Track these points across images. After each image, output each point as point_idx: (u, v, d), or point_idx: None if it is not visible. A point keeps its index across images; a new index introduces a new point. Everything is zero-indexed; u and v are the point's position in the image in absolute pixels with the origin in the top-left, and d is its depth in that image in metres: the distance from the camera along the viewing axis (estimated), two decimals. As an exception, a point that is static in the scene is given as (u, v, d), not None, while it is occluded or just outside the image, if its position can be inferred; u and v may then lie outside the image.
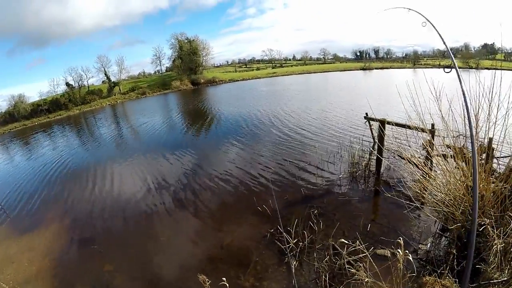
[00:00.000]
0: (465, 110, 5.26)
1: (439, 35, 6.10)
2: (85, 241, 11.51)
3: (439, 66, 72.57)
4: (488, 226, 5.88)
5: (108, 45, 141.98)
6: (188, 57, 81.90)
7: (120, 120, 45.61)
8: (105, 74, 78.95)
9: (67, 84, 71.58)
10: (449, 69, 4.62)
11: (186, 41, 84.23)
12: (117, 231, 12.00)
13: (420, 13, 6.03)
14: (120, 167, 19.89)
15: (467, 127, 6.56)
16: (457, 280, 5.62)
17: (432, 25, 5.80)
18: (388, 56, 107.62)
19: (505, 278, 5.45)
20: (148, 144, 25.85)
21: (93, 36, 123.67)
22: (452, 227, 6.69)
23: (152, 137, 28.39)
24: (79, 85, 73.29)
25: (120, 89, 76.16)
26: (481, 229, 6.03)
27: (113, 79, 78.89)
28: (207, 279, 4.74)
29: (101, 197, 15.44)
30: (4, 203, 16.41)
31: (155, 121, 36.41)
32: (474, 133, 6.51)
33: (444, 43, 5.35)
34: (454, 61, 4.26)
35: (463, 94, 3.31)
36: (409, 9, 6.57)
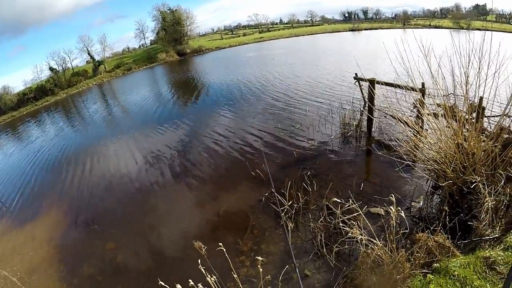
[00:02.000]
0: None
1: None
2: (85, 222, 11.60)
3: (429, 26, 72.05)
4: (480, 184, 6.00)
5: (88, 24, 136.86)
6: (172, 28, 79.41)
7: (109, 98, 44.72)
8: (89, 53, 76.20)
9: (51, 69, 69.08)
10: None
11: (169, 11, 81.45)
12: (115, 209, 12.10)
13: None
14: (113, 146, 19.77)
15: (457, 85, 6.62)
16: (449, 236, 5.77)
17: None
18: (377, 17, 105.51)
19: (497, 235, 5.60)
20: (138, 119, 25.56)
21: (72, 17, 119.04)
22: (443, 185, 6.83)
23: (142, 112, 28.08)
24: (63, 69, 70.65)
25: (105, 67, 73.90)
26: (472, 187, 6.16)
27: (97, 58, 76.10)
28: (202, 245, 4.82)
29: (96, 177, 15.43)
30: (4, 197, 16.20)
31: (144, 95, 35.84)
32: (463, 90, 6.56)
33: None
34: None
35: None
36: None
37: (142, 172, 14.57)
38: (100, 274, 8.79)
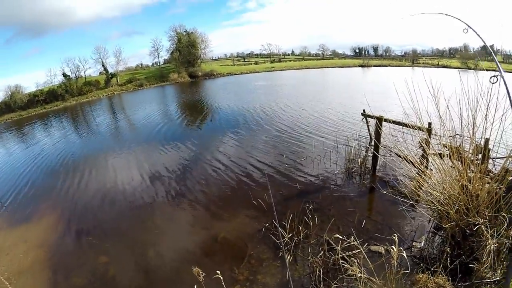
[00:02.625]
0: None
1: (483, 42, 6.05)
2: (80, 232, 11.52)
3: (437, 66, 72.72)
4: (482, 226, 5.93)
5: (106, 36, 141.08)
6: (186, 50, 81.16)
7: (117, 111, 45.30)
8: (103, 65, 77.97)
9: (64, 75, 70.59)
10: (496, 79, 4.38)
11: (184, 33, 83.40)
12: (112, 222, 12.02)
13: (461, 20, 5.92)
14: (116, 158, 19.88)
15: (464, 127, 6.64)
16: (450, 278, 5.66)
17: (476, 32, 5.68)
18: (387, 54, 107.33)
19: (498, 278, 5.51)
20: (144, 135, 25.79)
21: (91, 27, 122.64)
22: (446, 226, 6.74)
23: (149, 128, 28.25)
24: (76, 76, 72.28)
25: (117, 81, 75.33)
26: (475, 229, 6.08)
27: (110, 70, 77.86)
28: (201, 272, 4.76)
29: (95, 188, 15.42)
30: (1, 195, 16.25)
31: (151, 113, 36.24)
32: (470, 132, 6.56)
33: (491, 49, 5.24)
34: (501, 68, 4.05)
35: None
36: (447, 14, 6.43)
37: (142, 188, 14.54)
38: (90, 286, 8.65)
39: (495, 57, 5.36)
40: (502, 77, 4.38)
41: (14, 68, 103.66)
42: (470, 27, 5.54)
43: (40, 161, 22.03)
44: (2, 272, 9.34)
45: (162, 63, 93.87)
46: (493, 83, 4.52)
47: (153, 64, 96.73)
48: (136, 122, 32.62)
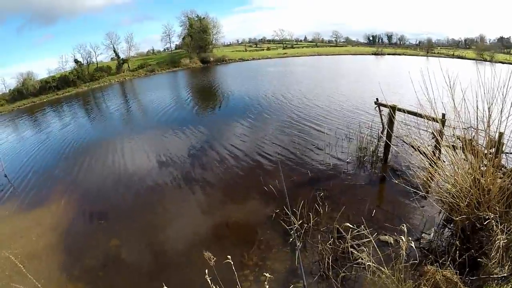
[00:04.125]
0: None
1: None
2: (93, 215, 11.76)
3: (452, 56, 71.41)
4: (493, 221, 5.93)
5: (117, 22, 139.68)
6: (198, 35, 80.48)
7: (129, 97, 45.55)
8: (114, 51, 77.36)
9: (76, 61, 70.31)
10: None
11: (196, 19, 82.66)
12: (124, 206, 12.24)
13: None
14: (129, 143, 20.09)
15: (478, 120, 6.59)
16: (457, 271, 5.69)
17: None
18: (401, 42, 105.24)
19: (505, 274, 5.51)
20: (156, 120, 25.94)
21: (102, 13, 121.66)
22: (456, 219, 6.74)
23: (161, 113, 28.32)
24: (87, 62, 71.88)
25: (129, 66, 75.02)
26: (485, 223, 6.08)
27: (122, 56, 77.22)
28: (212, 256, 4.84)
29: (109, 172, 15.67)
30: (14, 178, 16.60)
31: (164, 98, 36.29)
32: (484, 125, 6.52)
33: None
34: None
35: None
36: None
37: (154, 172, 14.74)
38: (102, 269, 8.86)
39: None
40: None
41: (26, 55, 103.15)
42: None
43: (53, 146, 22.37)
44: (15, 255, 9.54)
45: (174, 49, 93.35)
46: None
47: (164, 49, 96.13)
48: (148, 107, 32.75)
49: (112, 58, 79.75)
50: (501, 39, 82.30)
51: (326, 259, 7.44)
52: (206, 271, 4.67)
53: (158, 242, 9.65)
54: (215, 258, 4.85)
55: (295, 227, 8.69)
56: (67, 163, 17.93)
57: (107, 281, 8.38)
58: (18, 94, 59.77)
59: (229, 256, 4.87)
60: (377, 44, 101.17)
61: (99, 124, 28.15)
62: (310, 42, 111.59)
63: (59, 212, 12.27)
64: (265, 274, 4.74)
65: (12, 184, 15.77)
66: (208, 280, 4.61)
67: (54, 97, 58.62)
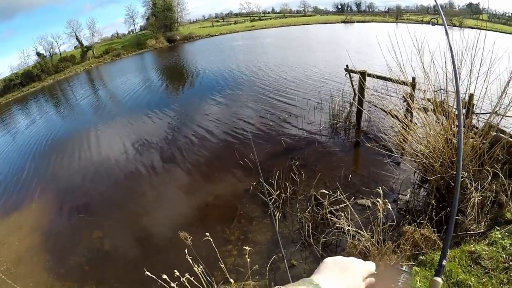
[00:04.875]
0: (451, 64, 5.20)
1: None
2: (72, 210, 11.46)
3: (422, 22, 71.96)
4: (467, 179, 6.08)
5: (79, 9, 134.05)
6: (162, 14, 77.88)
7: (96, 84, 43.92)
8: (77, 39, 73.80)
9: (38, 54, 66.97)
10: (435, 21, 4.44)
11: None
12: (103, 196, 12.01)
13: None
14: (101, 132, 19.51)
15: (449, 81, 6.65)
16: (435, 229, 5.84)
17: None
18: (370, 10, 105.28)
19: (482, 230, 5.70)
20: (127, 105, 25.27)
21: (62, 1, 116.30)
22: (431, 179, 6.89)
23: (132, 98, 27.50)
24: (50, 54, 68.46)
25: (93, 53, 72.11)
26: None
27: (85, 43, 73.86)
28: (188, 235, 4.82)
29: (84, 164, 15.21)
30: None
31: (133, 82, 35.02)
32: (459, 86, 6.58)
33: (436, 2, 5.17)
34: (442, 13, 4.10)
35: (450, 49, 3.26)
36: None
37: (129, 159, 14.45)
38: (87, 263, 8.71)
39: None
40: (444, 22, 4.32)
41: None
42: None
43: (23, 146, 21.23)
44: (1, 263, 9.33)
45: (139, 31, 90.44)
46: (432, 24, 4.49)
47: (129, 32, 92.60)
48: (117, 93, 31.67)
49: (75, 47, 76.53)
50: (470, 5, 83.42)
51: (306, 226, 7.52)
52: (186, 250, 4.63)
53: (140, 229, 9.56)
54: (191, 237, 4.83)
55: (272, 198, 8.71)
56: (39, 162, 17.24)
57: (94, 274, 8.27)
58: None
59: (207, 233, 4.83)
60: (346, 12, 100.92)
61: (68, 117, 27.08)
62: (278, 13, 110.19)
63: (37, 212, 11.92)
64: (245, 247, 4.73)
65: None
66: (189, 259, 4.57)
67: (20, 94, 56.04)
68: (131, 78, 37.86)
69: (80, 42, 74.55)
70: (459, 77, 6.34)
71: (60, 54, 71.26)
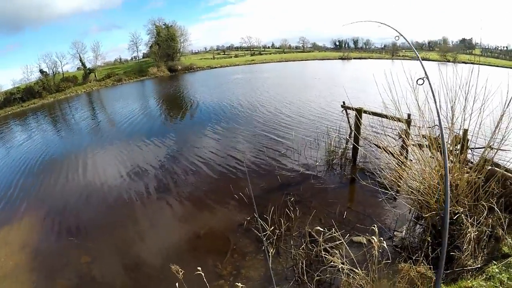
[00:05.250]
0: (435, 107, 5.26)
1: (412, 46, 6.22)
2: (63, 232, 11.28)
3: (417, 58, 73.46)
4: (462, 215, 6.03)
5: (84, 30, 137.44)
6: (165, 43, 79.85)
7: (96, 107, 44.38)
8: (80, 60, 75.52)
9: (41, 71, 68.07)
10: (422, 81, 4.57)
11: (164, 26, 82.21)
12: (94, 221, 11.78)
13: (393, 28, 5.96)
14: (97, 155, 19.51)
15: (443, 118, 6.71)
16: (431, 266, 5.74)
17: (405, 38, 5.76)
18: (367, 47, 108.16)
19: (479, 265, 5.61)
20: (125, 131, 25.36)
21: (69, 20, 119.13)
22: (426, 215, 6.83)
23: (130, 124, 27.74)
24: (53, 72, 69.59)
25: (95, 76, 73.45)
26: (455, 217, 6.17)
27: (88, 65, 75.37)
28: (179, 269, 4.71)
29: (78, 186, 15.08)
30: None
31: (132, 108, 35.62)
32: (449, 123, 6.64)
33: (417, 55, 5.34)
34: (426, 71, 4.24)
35: (434, 101, 3.36)
36: (381, 23, 6.45)
37: (123, 185, 14.32)
38: (74, 287, 8.51)
39: (416, 53, 5.47)
40: (428, 81, 4.48)
41: None
42: (401, 35, 5.62)
43: (16, 161, 21.35)
44: None
45: (141, 57, 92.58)
46: (420, 84, 4.66)
47: (132, 58, 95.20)
48: (116, 118, 31.92)
49: (78, 68, 78.12)
50: (463, 40, 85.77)
51: (300, 263, 7.37)
52: (177, 284, 4.52)
53: (130, 257, 9.33)
54: (183, 271, 4.72)
55: (266, 234, 8.58)
56: (32, 179, 17.15)
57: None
58: None
59: (199, 268, 4.73)
60: (344, 49, 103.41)
61: (65, 137, 27.25)
62: (278, 48, 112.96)
63: (27, 230, 11.72)
64: (237, 284, 4.61)
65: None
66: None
67: (19, 109, 56.72)
68: (131, 104, 38.42)
69: (83, 64, 76.11)
70: (453, 114, 6.42)
71: (63, 73, 72.53)
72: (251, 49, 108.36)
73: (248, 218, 9.94)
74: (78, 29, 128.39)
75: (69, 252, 10.05)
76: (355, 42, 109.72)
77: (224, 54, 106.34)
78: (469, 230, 5.76)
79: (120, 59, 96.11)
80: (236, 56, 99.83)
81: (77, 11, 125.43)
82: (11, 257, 10.15)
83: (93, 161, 18.50)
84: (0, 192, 15.74)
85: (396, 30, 5.68)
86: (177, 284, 4.54)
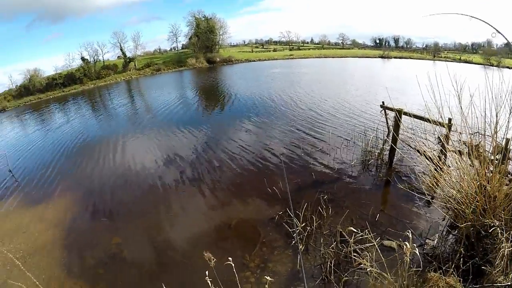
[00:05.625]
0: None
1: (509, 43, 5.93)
2: (96, 213, 11.81)
3: (459, 60, 70.92)
4: (498, 228, 5.84)
5: (125, 22, 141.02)
6: (204, 35, 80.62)
7: (134, 95, 45.68)
8: (121, 49, 77.91)
9: (83, 59, 70.58)
10: (494, 35, 4.31)
11: (203, 19, 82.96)
12: (127, 204, 12.24)
13: (488, 23, 5.73)
14: (133, 141, 20.19)
15: (486, 125, 6.49)
16: (461, 279, 5.62)
17: (504, 36, 5.45)
18: (408, 46, 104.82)
19: (509, 283, 5.43)
20: (161, 119, 26.00)
21: (110, 12, 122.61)
22: (461, 225, 6.65)
23: (166, 112, 28.44)
24: (94, 60, 72.16)
25: (135, 65, 75.36)
26: (490, 231, 6.00)
27: (128, 54, 77.72)
28: (212, 257, 4.81)
29: (113, 170, 15.73)
30: (18, 174, 16.80)
31: (169, 97, 36.39)
32: (491, 131, 6.43)
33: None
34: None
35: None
36: (473, 17, 6.22)
37: (157, 171, 14.76)
38: (102, 266, 8.87)
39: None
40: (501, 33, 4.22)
41: (34, 53, 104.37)
42: (499, 32, 5.27)
43: (58, 142, 22.56)
44: (18, 250, 9.63)
45: (180, 49, 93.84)
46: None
47: (171, 49, 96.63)
48: (153, 106, 32.72)
49: (118, 57, 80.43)
50: (508, 44, 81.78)
51: (329, 263, 7.37)
52: (207, 272, 4.63)
53: (160, 241, 9.63)
54: (215, 259, 4.82)
55: (297, 229, 8.61)
56: (72, 160, 18.04)
57: (107, 279, 8.37)
58: (24, 90, 60.37)
59: (230, 258, 4.83)
60: (384, 47, 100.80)
61: (104, 121, 28.30)
62: (317, 44, 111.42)
63: (62, 209, 12.32)
64: (265, 277, 4.69)
65: (16, 179, 15.90)
66: (209, 281, 4.56)
67: (60, 94, 59.21)
68: (169, 94, 39.21)
69: (123, 53, 78.32)
70: (497, 122, 6.19)
71: (103, 61, 75.01)
72: (290, 44, 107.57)
73: (280, 213, 10.03)
74: (118, 20, 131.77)
75: (101, 232, 10.51)
76: (396, 40, 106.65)
77: (262, 48, 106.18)
78: (503, 245, 5.57)
79: (160, 49, 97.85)
80: (274, 50, 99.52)
81: (117, 3, 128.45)
82: (45, 234, 10.69)
83: (128, 146, 19.18)
84: (38, 172, 16.65)
85: (492, 26, 5.40)
86: (207, 272, 4.63)
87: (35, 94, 59.21)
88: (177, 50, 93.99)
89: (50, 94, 59.48)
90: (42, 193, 13.91)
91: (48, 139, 23.98)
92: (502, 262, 5.53)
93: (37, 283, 5.46)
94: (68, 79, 64.97)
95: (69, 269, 8.82)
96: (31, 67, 66.47)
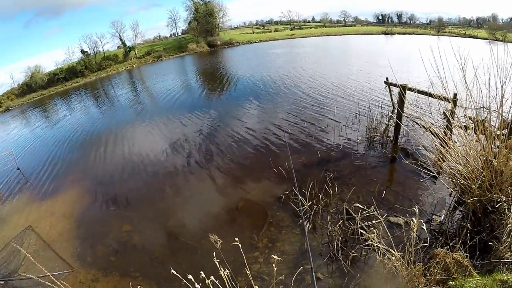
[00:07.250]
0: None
1: None
2: (105, 202, 11.95)
3: (464, 35, 69.69)
4: (505, 204, 5.81)
5: (123, 11, 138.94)
6: (204, 19, 79.26)
7: (137, 84, 45.33)
8: (120, 39, 76.71)
9: (83, 52, 69.88)
10: None
11: (202, 2, 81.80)
12: (136, 192, 12.37)
13: None
14: (139, 129, 20.20)
15: (492, 99, 6.39)
16: (468, 254, 5.62)
17: None
18: (411, 22, 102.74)
19: (516, 259, 5.43)
20: (165, 106, 25.92)
21: (108, 2, 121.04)
22: (468, 201, 6.62)
23: (169, 99, 28.29)
24: (94, 52, 71.44)
25: (136, 54, 74.56)
26: (497, 206, 5.97)
27: (128, 44, 76.89)
28: (218, 239, 4.84)
29: (120, 159, 15.82)
30: (26, 170, 16.88)
31: (172, 83, 36.10)
32: (497, 105, 6.34)
33: None
34: None
35: None
36: None
37: (165, 157, 14.85)
38: (114, 254, 9.05)
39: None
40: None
41: (35, 50, 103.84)
42: None
43: (63, 136, 22.62)
44: (31, 245, 9.76)
45: (180, 34, 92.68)
46: None
47: (171, 35, 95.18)
48: (157, 93, 32.54)
49: (118, 46, 79.42)
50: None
51: (336, 240, 7.45)
52: (214, 253, 4.68)
53: (169, 226, 9.77)
54: (221, 241, 4.86)
55: (304, 208, 8.65)
56: (78, 153, 18.20)
57: (120, 266, 8.55)
58: (27, 87, 60.19)
59: (236, 239, 4.87)
60: (387, 24, 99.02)
61: (108, 112, 28.28)
62: (318, 22, 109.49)
63: (72, 201, 12.49)
64: (273, 256, 4.73)
65: (24, 176, 16.05)
66: (216, 262, 4.61)
67: (63, 88, 58.95)
68: (171, 80, 38.82)
69: (123, 43, 77.39)
70: (502, 96, 6.09)
71: (104, 53, 74.21)
72: (291, 24, 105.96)
73: (286, 192, 10.08)
74: (118, 10, 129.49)
75: (111, 221, 10.68)
76: (399, 16, 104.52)
77: (263, 28, 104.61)
78: (510, 221, 5.55)
79: (159, 36, 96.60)
80: (275, 30, 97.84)
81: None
82: (56, 226, 10.87)
83: (134, 135, 19.20)
84: (45, 167, 16.77)
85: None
86: (214, 253, 4.68)
87: (37, 91, 58.93)
88: (177, 36, 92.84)
89: (53, 89, 59.16)
90: (51, 188, 14.03)
91: (52, 134, 24.07)
92: (509, 238, 5.51)
93: (51, 275, 5.52)
94: (69, 73, 64.56)
95: (82, 259, 9.00)
96: (32, 64, 66.23)
